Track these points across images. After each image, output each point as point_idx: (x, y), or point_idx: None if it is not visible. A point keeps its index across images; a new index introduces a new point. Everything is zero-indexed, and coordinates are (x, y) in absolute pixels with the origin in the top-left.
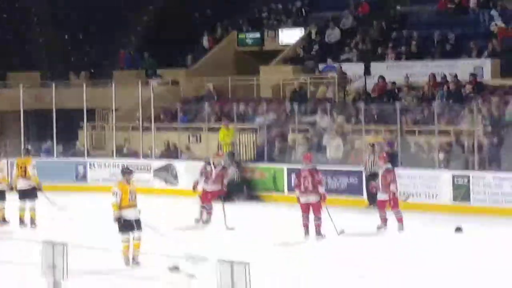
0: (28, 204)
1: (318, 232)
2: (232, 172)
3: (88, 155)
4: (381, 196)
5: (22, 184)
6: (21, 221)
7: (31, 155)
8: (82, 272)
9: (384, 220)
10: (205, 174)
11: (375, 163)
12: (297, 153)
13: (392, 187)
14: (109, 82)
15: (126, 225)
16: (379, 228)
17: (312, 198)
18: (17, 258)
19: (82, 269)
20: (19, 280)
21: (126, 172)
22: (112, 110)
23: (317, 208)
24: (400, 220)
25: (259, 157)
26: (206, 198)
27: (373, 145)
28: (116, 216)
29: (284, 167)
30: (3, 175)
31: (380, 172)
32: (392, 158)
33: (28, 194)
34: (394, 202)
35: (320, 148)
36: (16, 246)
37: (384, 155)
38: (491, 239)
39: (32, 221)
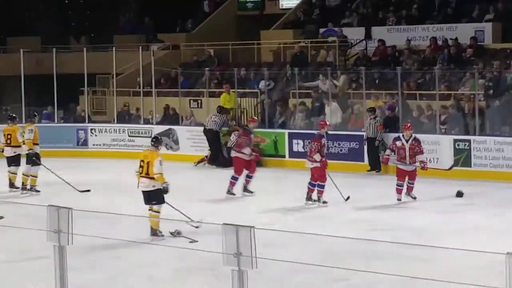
0: (25, 169)
1: (313, 198)
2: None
3: (89, 120)
4: (405, 166)
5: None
6: (23, 186)
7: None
8: (87, 238)
9: (401, 190)
10: (248, 142)
11: (376, 128)
12: (297, 118)
13: (422, 157)
14: (110, 47)
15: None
16: (399, 200)
17: (309, 164)
18: (24, 223)
19: (87, 235)
20: (26, 244)
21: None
22: (113, 75)
23: (316, 174)
24: (412, 189)
25: (260, 122)
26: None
27: (373, 110)
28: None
29: (286, 132)
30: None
31: (408, 142)
32: (393, 122)
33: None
34: (415, 172)
35: (320, 112)
36: (23, 210)
37: (409, 124)
38: (492, 204)
39: (32, 187)
